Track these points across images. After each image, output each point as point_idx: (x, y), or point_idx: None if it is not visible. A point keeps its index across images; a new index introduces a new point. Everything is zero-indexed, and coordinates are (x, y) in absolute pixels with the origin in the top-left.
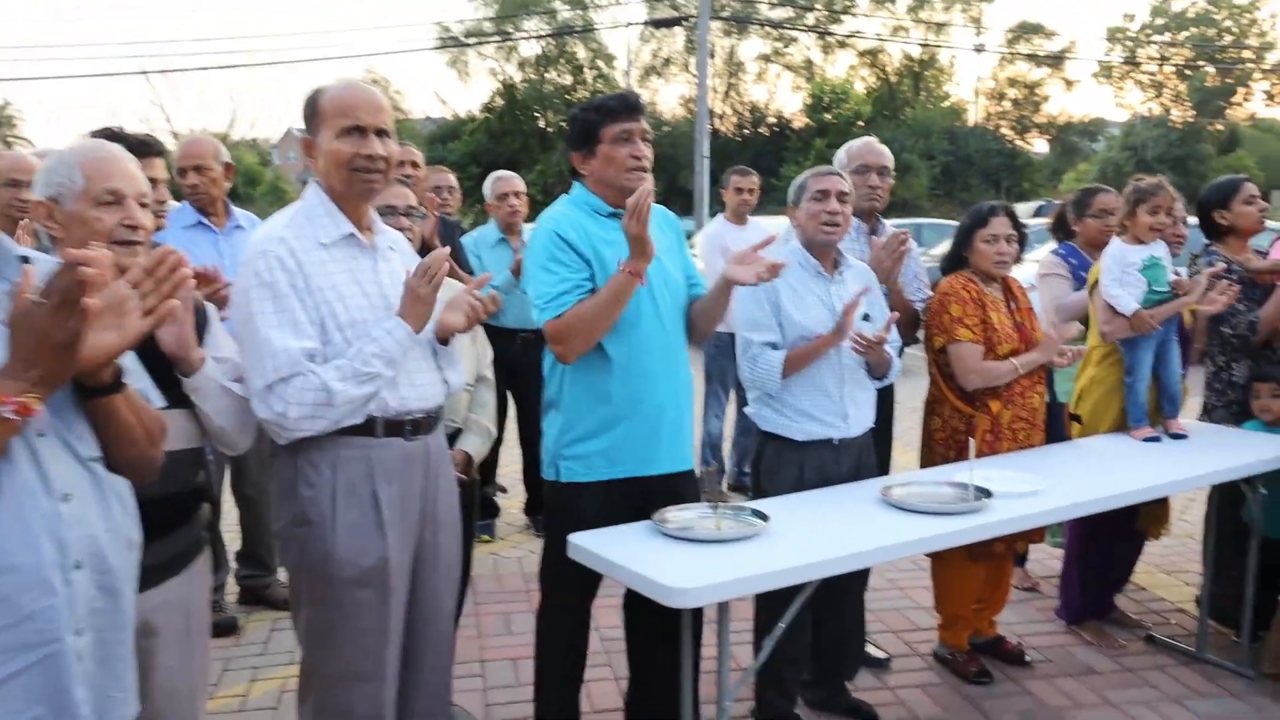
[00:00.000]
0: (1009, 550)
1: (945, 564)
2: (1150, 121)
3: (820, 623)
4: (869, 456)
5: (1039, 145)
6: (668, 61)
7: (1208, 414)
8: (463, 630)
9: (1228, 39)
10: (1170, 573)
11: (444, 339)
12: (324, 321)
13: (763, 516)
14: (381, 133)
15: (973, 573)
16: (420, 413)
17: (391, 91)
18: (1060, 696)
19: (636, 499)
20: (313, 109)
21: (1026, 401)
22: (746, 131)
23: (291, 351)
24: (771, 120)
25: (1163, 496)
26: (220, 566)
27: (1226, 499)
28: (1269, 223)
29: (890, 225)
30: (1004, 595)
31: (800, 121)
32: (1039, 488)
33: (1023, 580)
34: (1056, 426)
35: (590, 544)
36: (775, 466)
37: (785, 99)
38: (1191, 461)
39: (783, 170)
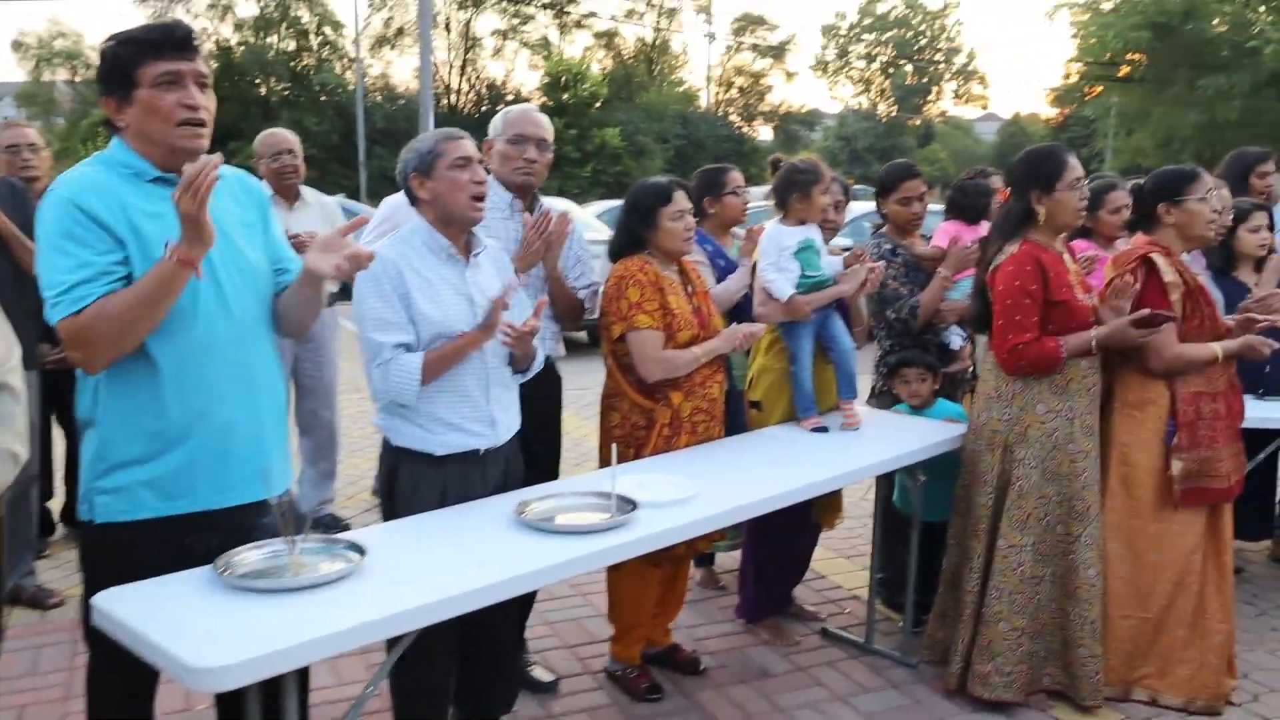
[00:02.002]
0: (690, 551)
1: (620, 570)
2: (860, 114)
3: (467, 654)
4: (517, 464)
5: (764, 133)
6: (400, 31)
7: (875, 397)
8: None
9: (923, 42)
10: (850, 557)
11: None
12: None
13: (360, 550)
14: None
15: (651, 579)
16: None
17: (84, 47)
18: (731, 707)
19: (207, 539)
20: None
21: (706, 392)
22: (485, 108)
23: None
24: (509, 98)
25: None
26: None
27: (893, 485)
28: (931, 206)
29: (550, 204)
30: (679, 599)
31: (538, 100)
32: (691, 493)
33: (707, 579)
34: (736, 415)
35: (113, 605)
36: (413, 487)
37: (523, 77)
38: (858, 452)
39: None
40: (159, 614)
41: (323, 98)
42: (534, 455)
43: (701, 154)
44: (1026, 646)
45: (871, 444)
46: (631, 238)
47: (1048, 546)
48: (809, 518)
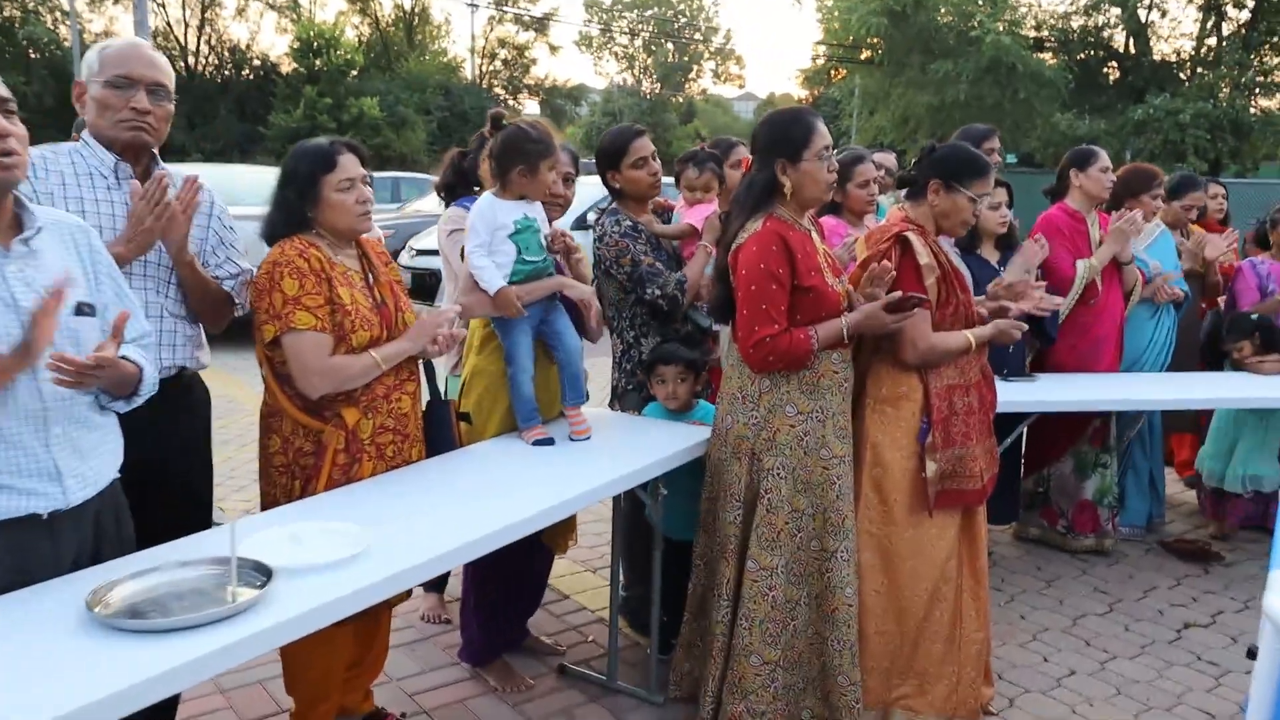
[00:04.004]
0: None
1: None
2: (625, 90)
3: None
4: (118, 525)
5: (530, 106)
6: None
7: (617, 399)
8: None
9: (683, 21)
10: (598, 570)
11: None
12: None
13: None
14: None
15: (339, 638)
16: None
17: None
18: None
19: None
20: None
21: (394, 406)
22: (228, 72)
23: None
24: (256, 61)
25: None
26: None
27: (633, 498)
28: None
29: (175, 169)
30: (381, 653)
31: (288, 66)
32: (360, 548)
33: (434, 612)
34: (442, 431)
35: None
36: None
37: (271, 40)
38: (589, 469)
39: (271, 118)
40: None
41: (32, 54)
42: (172, 500)
43: (465, 126)
44: (782, 680)
45: (605, 457)
46: (290, 215)
47: (802, 566)
48: (538, 538)
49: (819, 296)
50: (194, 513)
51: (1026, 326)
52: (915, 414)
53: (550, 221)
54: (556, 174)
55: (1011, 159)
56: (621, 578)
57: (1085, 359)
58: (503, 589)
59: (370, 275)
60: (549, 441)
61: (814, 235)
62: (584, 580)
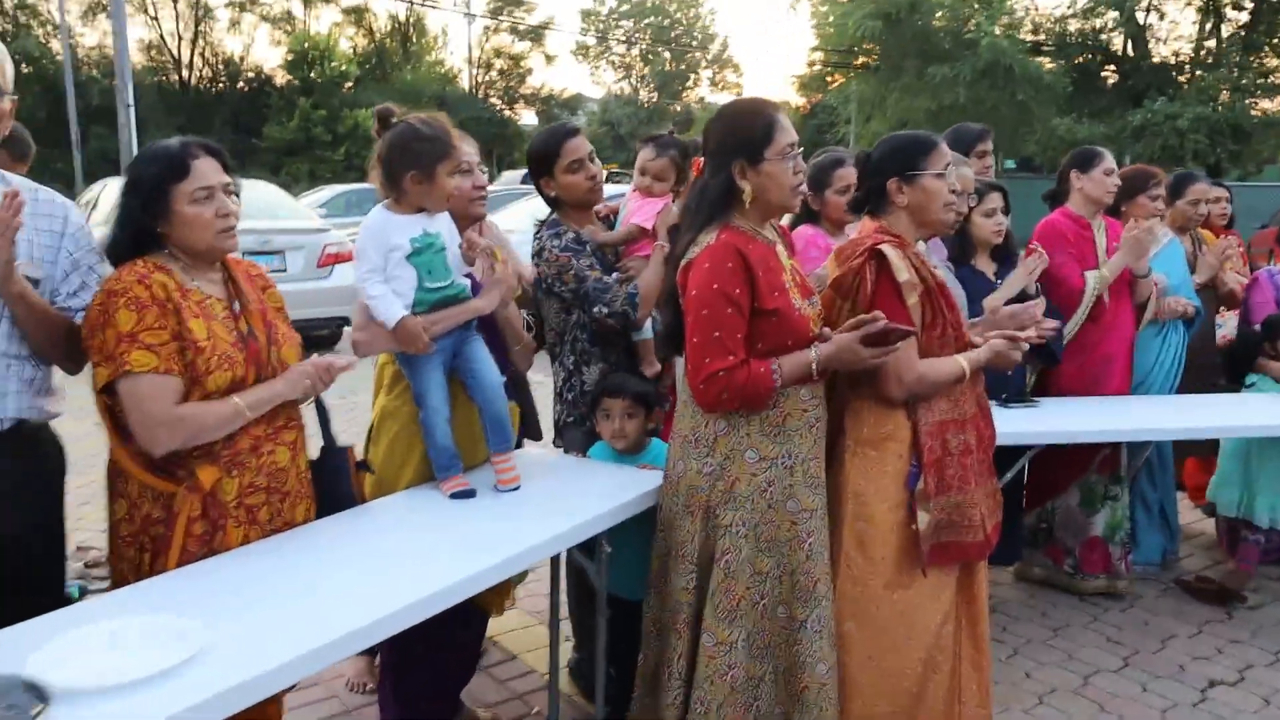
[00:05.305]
0: None
1: None
2: (622, 99)
3: None
4: None
5: (527, 116)
6: None
7: (559, 434)
8: None
9: (680, 29)
10: (547, 623)
11: None
12: None
13: None
14: None
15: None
16: None
17: None
18: None
19: None
20: None
21: (266, 461)
22: (222, 85)
23: None
24: (250, 74)
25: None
26: None
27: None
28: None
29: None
30: None
31: (283, 78)
32: (187, 652)
33: (360, 678)
34: (338, 485)
35: None
36: None
37: (265, 53)
38: (519, 525)
39: (266, 130)
40: None
41: (25, 68)
42: (18, 575)
43: None
44: None
45: (537, 511)
46: (136, 232)
47: (767, 636)
48: (469, 603)
49: (784, 321)
50: (46, 589)
51: (1027, 347)
52: (903, 456)
53: (472, 222)
54: (462, 175)
55: (1010, 164)
56: (572, 636)
57: (1093, 380)
58: (427, 658)
59: (236, 303)
60: (469, 493)
61: (779, 248)
62: (534, 636)
